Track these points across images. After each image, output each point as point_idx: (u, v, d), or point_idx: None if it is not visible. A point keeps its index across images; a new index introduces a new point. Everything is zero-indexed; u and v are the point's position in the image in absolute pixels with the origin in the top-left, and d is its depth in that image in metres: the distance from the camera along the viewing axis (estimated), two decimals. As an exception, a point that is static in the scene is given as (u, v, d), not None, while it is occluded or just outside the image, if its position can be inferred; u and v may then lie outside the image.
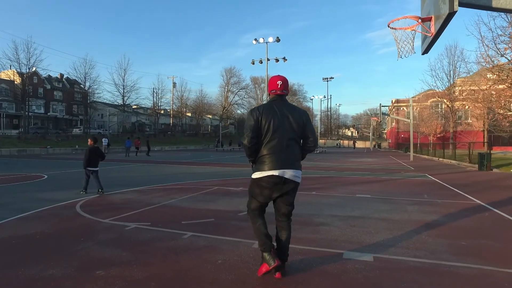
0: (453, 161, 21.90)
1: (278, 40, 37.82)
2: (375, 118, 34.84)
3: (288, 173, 2.92)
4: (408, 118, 33.68)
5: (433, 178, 11.84)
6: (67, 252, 3.73)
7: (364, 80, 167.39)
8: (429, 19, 5.44)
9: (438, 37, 5.57)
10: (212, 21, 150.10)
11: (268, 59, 38.98)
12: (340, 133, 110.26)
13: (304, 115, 3.09)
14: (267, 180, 2.92)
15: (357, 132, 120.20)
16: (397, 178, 12.02)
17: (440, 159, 25.51)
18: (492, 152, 21.73)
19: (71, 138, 43.43)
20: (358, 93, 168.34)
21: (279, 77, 3.11)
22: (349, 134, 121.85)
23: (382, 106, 27.58)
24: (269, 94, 3.17)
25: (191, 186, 9.34)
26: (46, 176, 11.56)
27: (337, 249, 3.87)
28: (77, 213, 5.66)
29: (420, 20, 5.38)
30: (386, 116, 35.11)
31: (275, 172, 2.89)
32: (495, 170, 15.93)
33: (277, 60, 39.79)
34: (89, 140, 8.12)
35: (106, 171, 13.93)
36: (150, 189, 8.69)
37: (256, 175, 2.99)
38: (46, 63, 47.46)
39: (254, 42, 38.64)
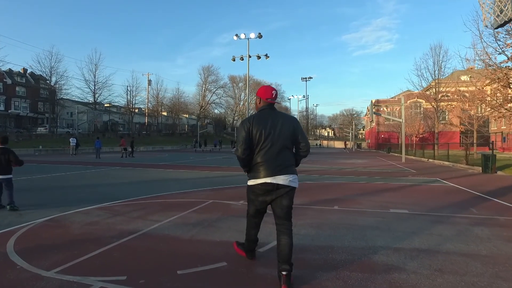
0: (446, 162, 21.07)
1: (260, 36, 36.23)
2: (366, 118, 33.90)
3: (281, 179, 2.92)
4: (396, 118, 33.03)
5: (451, 184, 10.51)
6: None
7: (339, 81, 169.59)
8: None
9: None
10: (188, 19, 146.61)
11: (249, 56, 37.25)
12: (317, 133, 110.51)
13: (294, 122, 3.12)
14: (260, 188, 2.96)
15: (334, 133, 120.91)
16: (412, 184, 10.58)
17: (430, 160, 24.76)
18: (471, 153, 21.20)
19: (34, 137, 39.65)
20: (333, 93, 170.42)
21: (272, 88, 3.24)
22: (326, 134, 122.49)
23: (361, 107, 26.56)
24: (259, 100, 3.17)
25: (176, 199, 7.38)
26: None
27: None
28: (5, 257, 3.58)
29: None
30: (378, 116, 34.29)
31: (267, 180, 2.91)
32: (499, 172, 15.00)
33: (258, 57, 38.15)
34: None
35: (68, 177, 11.61)
36: (123, 205, 6.64)
37: (250, 182, 3.04)
38: (2, 54, 42.16)
39: (235, 37, 36.85)
